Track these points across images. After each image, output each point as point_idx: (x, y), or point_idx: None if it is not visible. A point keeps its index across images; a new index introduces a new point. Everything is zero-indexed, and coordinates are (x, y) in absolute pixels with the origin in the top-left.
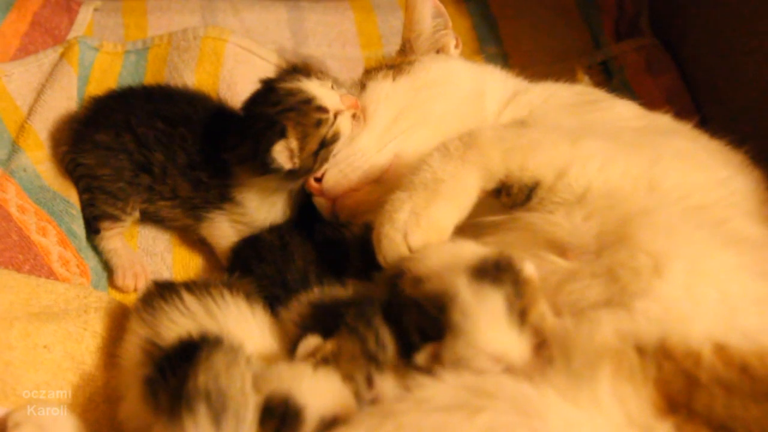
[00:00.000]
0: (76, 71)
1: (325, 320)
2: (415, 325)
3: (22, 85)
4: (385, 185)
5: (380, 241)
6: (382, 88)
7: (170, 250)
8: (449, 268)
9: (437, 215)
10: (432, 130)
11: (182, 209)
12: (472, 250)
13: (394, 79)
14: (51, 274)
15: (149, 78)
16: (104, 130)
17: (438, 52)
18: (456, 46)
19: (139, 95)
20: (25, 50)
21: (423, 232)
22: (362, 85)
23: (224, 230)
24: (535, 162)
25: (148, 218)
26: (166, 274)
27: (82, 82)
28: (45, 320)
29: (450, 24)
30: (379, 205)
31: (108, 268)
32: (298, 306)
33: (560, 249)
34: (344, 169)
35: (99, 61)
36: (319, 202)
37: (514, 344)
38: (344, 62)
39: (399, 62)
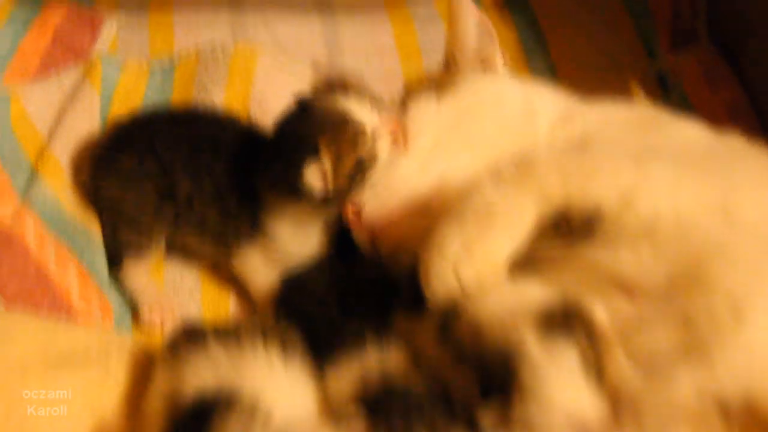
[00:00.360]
0: (99, 92)
1: (374, 405)
2: (476, 380)
3: (43, 107)
4: (429, 216)
5: (428, 274)
6: (425, 109)
7: (199, 287)
8: (513, 315)
9: (490, 246)
10: (480, 153)
11: (211, 241)
12: (536, 293)
13: (438, 99)
14: (71, 313)
15: (176, 97)
16: (127, 156)
17: (484, 68)
18: (504, 63)
19: (164, 118)
20: (45, 69)
21: (475, 265)
22: (404, 105)
23: (256, 264)
24: (597, 187)
25: (175, 252)
26: (194, 313)
27: (105, 103)
28: (63, 369)
29: (496, 38)
30: (424, 238)
31: (132, 305)
32: (347, 372)
33: (626, 289)
34: (384, 197)
35: (123, 81)
36: (359, 235)
37: (591, 405)
38: (382, 77)
39: (443, 80)
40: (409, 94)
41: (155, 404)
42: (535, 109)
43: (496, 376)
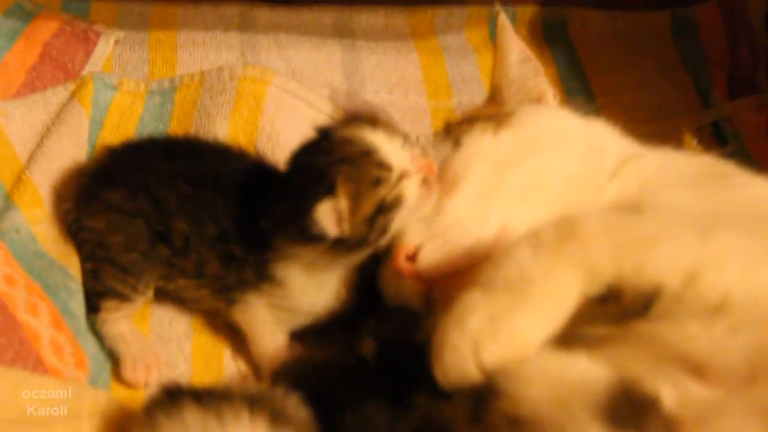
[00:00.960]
0: (89, 114)
1: None
2: None
3: (24, 127)
4: None
5: (442, 351)
6: (481, 142)
7: (189, 336)
8: (565, 404)
9: (522, 325)
10: (547, 195)
11: (210, 290)
12: (588, 372)
13: (494, 132)
14: (39, 364)
15: (175, 124)
16: (117, 189)
17: (535, 102)
18: (554, 96)
19: (161, 148)
20: (31, 86)
21: (501, 347)
22: (456, 142)
23: (262, 316)
24: (655, 263)
25: (166, 297)
26: (182, 367)
27: (95, 127)
28: (25, 429)
29: (542, 71)
30: None
31: (112, 357)
32: None
33: (697, 370)
34: (445, 244)
35: (117, 103)
36: (409, 285)
37: None
38: (407, 112)
39: (494, 113)
40: (453, 128)
41: None
42: (603, 146)
43: None
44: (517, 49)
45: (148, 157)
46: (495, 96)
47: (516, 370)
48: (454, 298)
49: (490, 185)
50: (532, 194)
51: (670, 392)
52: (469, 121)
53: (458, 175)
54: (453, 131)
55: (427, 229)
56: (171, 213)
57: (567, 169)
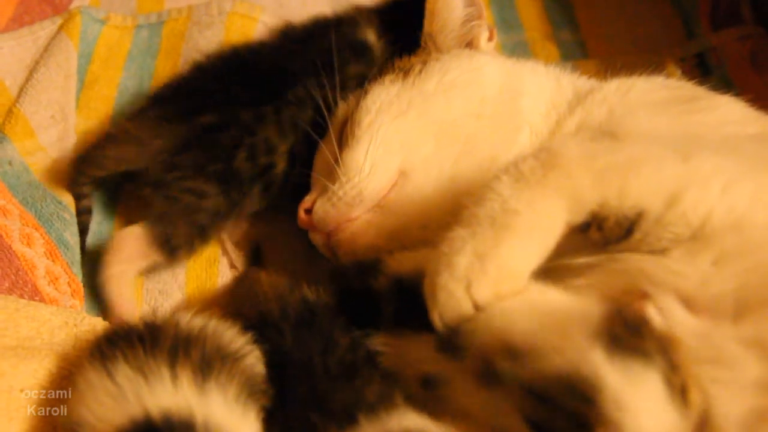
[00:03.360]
0: (77, 46)
1: None
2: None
3: (13, 62)
4: (388, 212)
5: (435, 294)
6: (384, 93)
7: (183, 264)
8: (562, 331)
9: (510, 257)
10: (449, 141)
11: None
12: (578, 302)
13: (402, 81)
14: (35, 294)
15: (163, 57)
16: None
17: (467, 47)
18: (489, 39)
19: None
20: (19, 21)
21: (492, 281)
22: (365, 92)
23: None
24: (638, 187)
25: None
26: (177, 296)
27: (83, 60)
28: (23, 356)
29: (484, 13)
30: (387, 238)
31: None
32: None
33: (686, 300)
34: (332, 196)
35: (105, 37)
36: (314, 238)
37: None
38: None
39: (411, 64)
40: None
41: None
42: (522, 89)
43: (560, 408)
44: None
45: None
46: (426, 45)
47: (501, 307)
48: (351, 246)
49: (389, 132)
50: (429, 137)
51: (659, 316)
52: (387, 71)
53: (356, 125)
54: (368, 83)
55: (328, 181)
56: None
57: (472, 113)
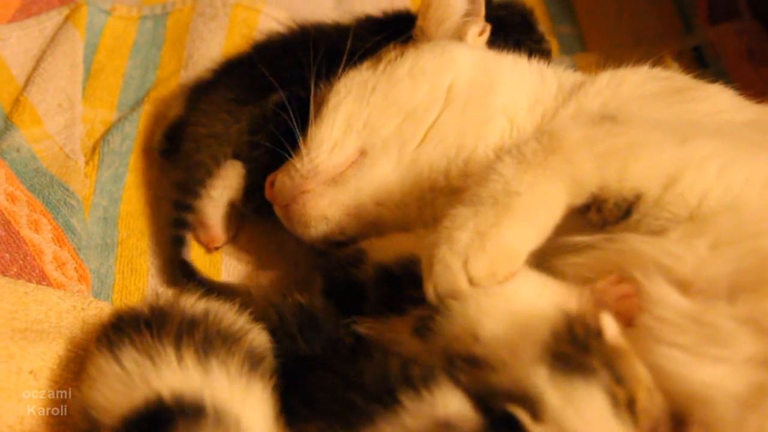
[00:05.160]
0: (83, 37)
1: None
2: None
3: (20, 51)
4: (342, 186)
5: (432, 266)
6: (357, 77)
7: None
8: (514, 345)
9: (509, 237)
10: (412, 124)
11: None
12: (545, 302)
13: (375, 68)
14: (43, 278)
15: (167, 48)
16: None
17: (455, 40)
18: (480, 34)
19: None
20: (26, 11)
21: (489, 259)
22: (338, 78)
23: None
24: (637, 170)
25: None
26: None
27: (89, 50)
28: (32, 339)
29: (483, 12)
30: (342, 212)
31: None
32: None
33: (679, 283)
34: (291, 168)
35: (110, 27)
36: (276, 211)
37: None
38: None
39: (394, 54)
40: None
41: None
42: (495, 81)
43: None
44: None
45: None
46: (417, 37)
47: (477, 299)
48: (303, 217)
49: (351, 112)
50: (391, 119)
51: (613, 327)
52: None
53: (325, 105)
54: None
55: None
56: None
57: (435, 97)
